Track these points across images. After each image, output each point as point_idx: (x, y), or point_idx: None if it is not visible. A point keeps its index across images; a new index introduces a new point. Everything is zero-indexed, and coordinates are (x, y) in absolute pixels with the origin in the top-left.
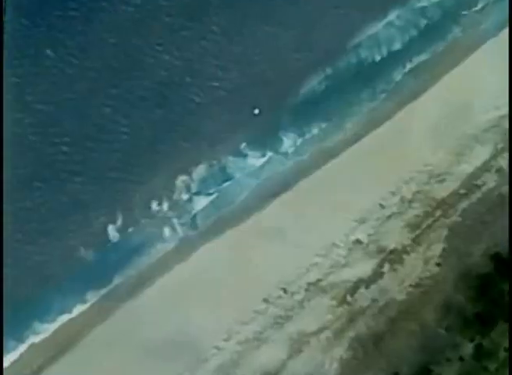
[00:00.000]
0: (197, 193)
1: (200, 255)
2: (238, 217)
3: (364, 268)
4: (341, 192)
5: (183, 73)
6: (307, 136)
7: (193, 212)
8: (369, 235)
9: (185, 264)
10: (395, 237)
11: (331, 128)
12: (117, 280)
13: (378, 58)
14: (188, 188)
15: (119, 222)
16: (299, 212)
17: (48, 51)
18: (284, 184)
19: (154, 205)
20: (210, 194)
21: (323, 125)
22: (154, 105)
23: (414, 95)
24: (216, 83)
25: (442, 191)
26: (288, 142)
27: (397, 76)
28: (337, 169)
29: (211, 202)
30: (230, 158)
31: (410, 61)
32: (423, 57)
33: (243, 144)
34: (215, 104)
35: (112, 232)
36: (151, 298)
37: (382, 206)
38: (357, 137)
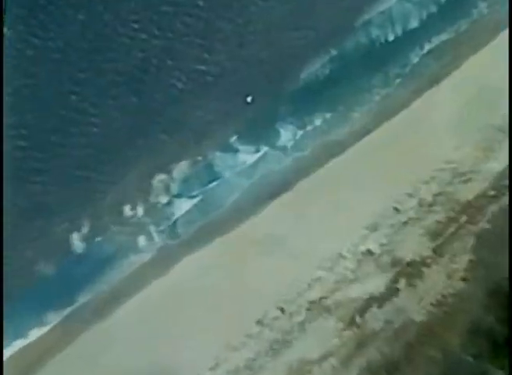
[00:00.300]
0: (179, 195)
1: (183, 268)
2: (227, 223)
3: (376, 283)
4: (348, 194)
5: (163, 54)
6: (309, 128)
7: (174, 217)
8: (382, 245)
9: (164, 279)
10: (412, 246)
11: (336, 119)
12: (83, 299)
13: (391, 37)
14: (168, 189)
15: (86, 229)
16: (299, 217)
17: (5, 30)
18: (282, 185)
19: (128, 210)
20: (194, 197)
21: (327, 115)
22: (128, 92)
23: (434, 81)
24: (202, 67)
25: (467, 193)
26: (286, 135)
27: (414, 58)
28: (344, 167)
29: (196, 206)
30: (218, 153)
31: (429, 41)
32: (444, 37)
33: (234, 138)
34: (200, 91)
35: (77, 241)
36: (123, 319)
37: (396, 210)
38: (366, 130)
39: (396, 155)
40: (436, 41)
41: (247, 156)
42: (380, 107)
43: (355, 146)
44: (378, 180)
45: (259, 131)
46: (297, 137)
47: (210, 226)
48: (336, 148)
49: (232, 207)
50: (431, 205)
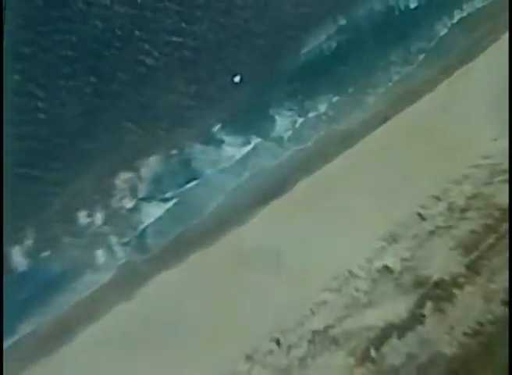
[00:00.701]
0: (148, 198)
1: (152, 291)
2: (209, 234)
3: (395, 308)
4: (360, 198)
5: (130, 24)
6: (311, 115)
7: (142, 226)
8: (403, 260)
9: (128, 305)
10: (441, 262)
11: (345, 104)
12: (26, 328)
13: (413, 4)
14: (134, 191)
15: (30, 242)
16: (299, 226)
17: None
18: (277, 186)
19: (83, 217)
20: (167, 200)
21: (334, 99)
22: (85, 70)
23: (466, 57)
24: (178, 39)
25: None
26: (283, 124)
27: (441, 29)
28: (354, 164)
29: (169, 212)
30: (197, 146)
31: (460, 9)
32: (478, 3)
33: (217, 127)
34: (175, 68)
35: (19, 257)
36: (75, 354)
37: (421, 217)
38: (382, 118)
39: (420, 149)
40: (469, 8)
41: (233, 150)
42: (399, 89)
43: (368, 137)
44: (397, 179)
45: (249, 118)
46: (297, 125)
47: (187, 238)
48: (345, 140)
49: (215, 213)
50: (464, 210)
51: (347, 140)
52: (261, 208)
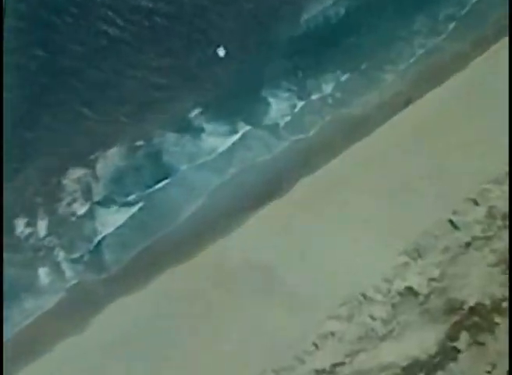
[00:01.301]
0: (105, 202)
1: (110, 319)
2: (184, 248)
3: (421, 341)
4: (376, 201)
5: None
6: (314, 97)
7: (97, 237)
8: (431, 280)
9: (79, 339)
10: (479, 282)
11: (356, 83)
12: None
13: None
14: (88, 193)
15: None
16: (298, 236)
17: None
18: (271, 185)
19: (22, 226)
20: (130, 205)
21: (342, 78)
22: (30, 42)
23: (503, 29)
24: (148, 4)
25: None
26: (279, 108)
27: None
28: (367, 159)
29: (133, 219)
30: (171, 135)
31: None
32: None
33: (196, 111)
34: (144, 40)
35: None
36: None
37: (453, 226)
38: (403, 101)
39: (451, 141)
40: None
41: (215, 140)
42: (424, 65)
43: (386, 126)
44: (422, 177)
45: (236, 101)
46: (296, 110)
47: (156, 253)
48: (357, 130)
49: (192, 221)
50: (506, 216)
51: (359, 129)
52: (250, 213)
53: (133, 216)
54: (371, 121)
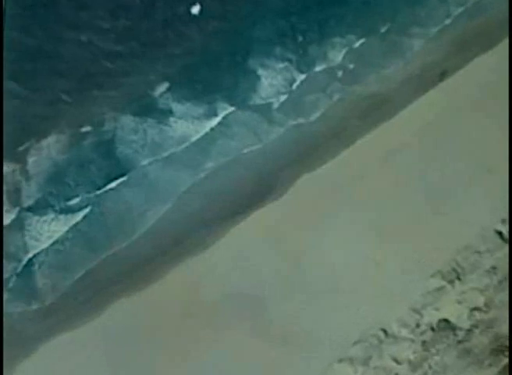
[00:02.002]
0: (39, 208)
1: (43, 364)
2: (142, 270)
3: None
4: (399, 205)
5: None
6: (318, 68)
7: (27, 256)
8: (474, 310)
9: None
10: None
11: (374, 51)
12: None
13: None
14: (16, 195)
15: None
16: (294, 254)
17: None
18: (260, 185)
19: None
20: (72, 211)
21: (356, 43)
22: None
23: None
24: None
25: None
26: (271, 83)
27: None
28: (389, 152)
29: (76, 230)
30: (127, 119)
31: None
32: None
33: (162, 87)
34: None
35: None
36: None
37: (502, 238)
38: (436, 74)
39: (497, 128)
40: None
41: (188, 126)
42: (462, 29)
43: (412, 107)
44: (461, 175)
45: (215, 74)
46: (294, 87)
47: (106, 275)
48: (373, 112)
49: (156, 232)
50: None
51: (377, 112)
52: (232, 223)
53: (75, 227)
54: (393, 101)
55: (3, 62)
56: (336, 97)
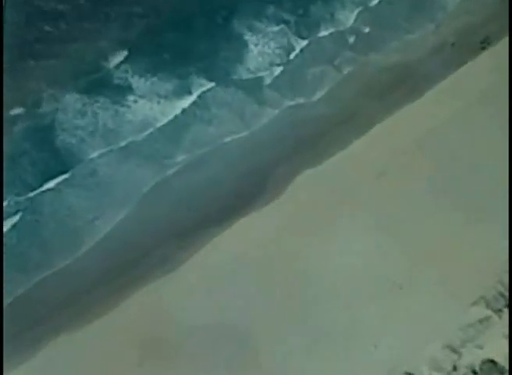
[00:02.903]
0: None
1: None
2: (90, 297)
3: None
4: (424, 212)
5: None
6: (324, 32)
7: None
8: None
9: None
10: None
11: (396, 10)
12: None
13: None
14: None
15: None
16: (292, 277)
17: None
18: (248, 184)
19: None
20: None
21: (372, 1)
22: None
23: None
24: None
25: None
26: (262, 50)
27: None
28: (413, 141)
29: (9, 239)
30: (71, 98)
31: None
32: None
33: (118, 57)
34: None
35: None
36: None
37: None
38: (476, 41)
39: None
40: None
41: (153, 107)
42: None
43: (444, 84)
44: (492, 174)
45: (189, 40)
46: (292, 55)
47: (42, 302)
48: (393, 89)
49: (108, 247)
50: None
51: (400, 90)
52: (210, 232)
53: (6, 236)
54: (419, 76)
55: None
56: (346, 70)
